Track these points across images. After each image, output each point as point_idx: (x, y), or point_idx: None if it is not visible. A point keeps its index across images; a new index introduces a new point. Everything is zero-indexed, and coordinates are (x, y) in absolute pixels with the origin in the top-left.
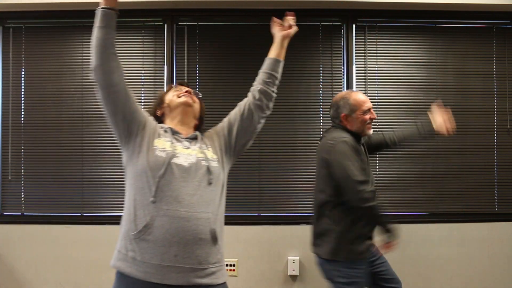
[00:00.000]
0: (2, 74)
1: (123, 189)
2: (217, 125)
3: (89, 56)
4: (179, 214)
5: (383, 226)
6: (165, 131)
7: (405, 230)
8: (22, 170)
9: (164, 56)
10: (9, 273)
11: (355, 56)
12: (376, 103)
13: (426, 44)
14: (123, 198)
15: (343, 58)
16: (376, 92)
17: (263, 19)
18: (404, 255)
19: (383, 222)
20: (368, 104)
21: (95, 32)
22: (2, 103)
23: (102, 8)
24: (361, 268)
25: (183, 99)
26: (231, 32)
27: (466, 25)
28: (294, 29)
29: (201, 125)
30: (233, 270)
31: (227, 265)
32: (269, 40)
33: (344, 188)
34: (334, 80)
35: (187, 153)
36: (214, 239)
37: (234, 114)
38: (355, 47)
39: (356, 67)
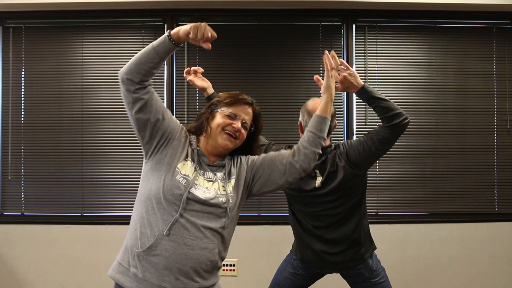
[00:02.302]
0: (2, 74)
1: (123, 189)
2: (255, 155)
3: (89, 56)
4: (184, 241)
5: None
6: (193, 151)
7: (405, 230)
8: (22, 170)
9: None
10: (9, 273)
11: (355, 56)
12: None
13: (426, 44)
14: (123, 198)
15: (343, 58)
16: None
17: (263, 19)
18: (404, 255)
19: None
20: None
21: (147, 51)
22: (2, 103)
23: (169, 37)
24: None
25: (225, 141)
26: (231, 32)
27: (466, 25)
28: (333, 73)
29: (251, 144)
30: (233, 270)
31: (227, 265)
32: (269, 40)
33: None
34: None
35: (207, 187)
36: (214, 268)
37: (271, 159)
38: (355, 47)
39: (356, 67)
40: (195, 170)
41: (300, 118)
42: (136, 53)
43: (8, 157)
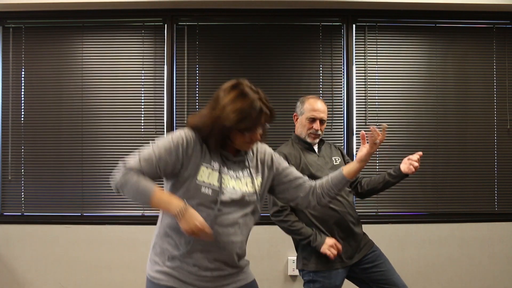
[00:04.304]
0: (2, 74)
1: None
2: (280, 158)
3: (89, 56)
4: (217, 244)
5: (302, 238)
6: (216, 157)
7: (405, 230)
8: (22, 170)
9: (164, 56)
10: (9, 273)
11: (355, 56)
12: (376, 103)
13: (426, 44)
14: (123, 198)
15: (343, 58)
16: (376, 92)
17: (263, 19)
18: (404, 255)
19: (298, 235)
20: (316, 114)
21: (143, 196)
22: (2, 103)
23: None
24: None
25: (247, 148)
26: (231, 32)
27: (466, 25)
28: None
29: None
30: None
31: None
32: (269, 40)
33: None
34: (334, 80)
35: (233, 186)
36: (239, 257)
37: (291, 181)
38: (355, 47)
39: (356, 67)
40: (219, 174)
41: (297, 112)
42: (137, 53)
43: (8, 157)
